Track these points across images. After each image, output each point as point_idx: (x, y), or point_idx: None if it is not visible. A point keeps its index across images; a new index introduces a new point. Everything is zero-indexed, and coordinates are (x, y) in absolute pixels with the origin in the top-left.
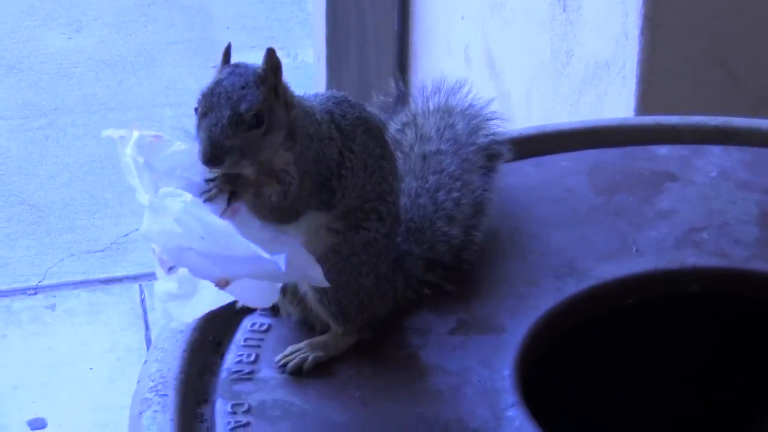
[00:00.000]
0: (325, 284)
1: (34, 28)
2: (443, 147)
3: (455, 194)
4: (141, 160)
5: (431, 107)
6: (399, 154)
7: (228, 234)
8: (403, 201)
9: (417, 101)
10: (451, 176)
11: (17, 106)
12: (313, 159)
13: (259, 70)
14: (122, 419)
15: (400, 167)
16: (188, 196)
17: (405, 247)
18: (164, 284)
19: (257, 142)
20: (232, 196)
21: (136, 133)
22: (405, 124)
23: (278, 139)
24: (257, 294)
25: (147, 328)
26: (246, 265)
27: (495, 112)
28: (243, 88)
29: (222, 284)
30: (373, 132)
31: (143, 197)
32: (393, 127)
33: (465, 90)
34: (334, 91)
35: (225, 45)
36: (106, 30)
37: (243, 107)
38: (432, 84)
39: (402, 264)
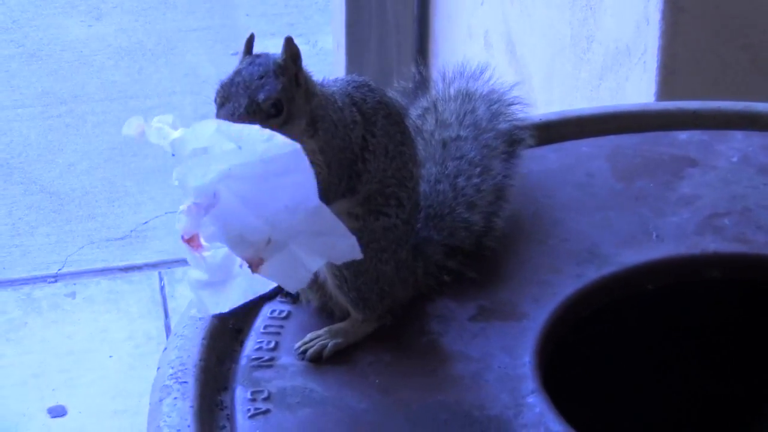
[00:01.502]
0: (358, 255)
1: (54, 16)
2: (463, 133)
3: (475, 180)
4: (170, 118)
5: (452, 92)
6: (419, 140)
7: (265, 135)
8: (423, 187)
9: (438, 87)
10: (471, 162)
11: (37, 94)
12: (339, 146)
13: (279, 60)
14: (142, 406)
15: (420, 153)
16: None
17: (425, 233)
18: (196, 272)
19: (277, 131)
20: None
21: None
22: (425, 110)
23: (299, 128)
24: (290, 274)
25: (166, 315)
26: (284, 180)
27: (517, 97)
28: (261, 77)
29: (255, 264)
30: (393, 117)
31: (175, 132)
32: (414, 112)
33: (486, 75)
34: (354, 75)
35: (246, 33)
36: (125, 18)
37: (261, 96)
38: (453, 69)
39: (422, 250)
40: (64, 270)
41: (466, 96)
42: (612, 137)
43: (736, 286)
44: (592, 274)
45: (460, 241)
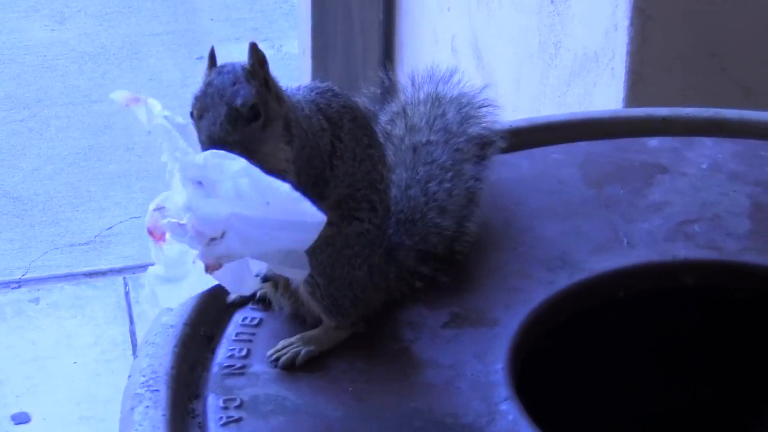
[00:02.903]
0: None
1: (17, 20)
2: (433, 137)
3: (447, 185)
4: (181, 120)
5: (421, 97)
6: (389, 146)
7: (294, 196)
8: (394, 192)
9: (407, 91)
10: (442, 167)
11: (0, 98)
12: (308, 155)
13: (247, 66)
14: (107, 413)
15: (391, 159)
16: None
17: (397, 239)
18: (155, 267)
19: (258, 135)
20: None
21: (154, 103)
22: (395, 115)
23: (277, 130)
24: (240, 281)
25: (131, 321)
26: (290, 234)
27: (486, 99)
28: (234, 84)
29: (213, 267)
30: (359, 121)
31: (190, 157)
32: (383, 118)
33: (456, 78)
34: (317, 81)
35: (210, 37)
36: (89, 22)
37: (238, 102)
38: (422, 73)
39: (394, 255)
40: (28, 275)
41: (436, 100)
42: (582, 144)
43: (708, 293)
44: (564, 280)
45: (432, 246)
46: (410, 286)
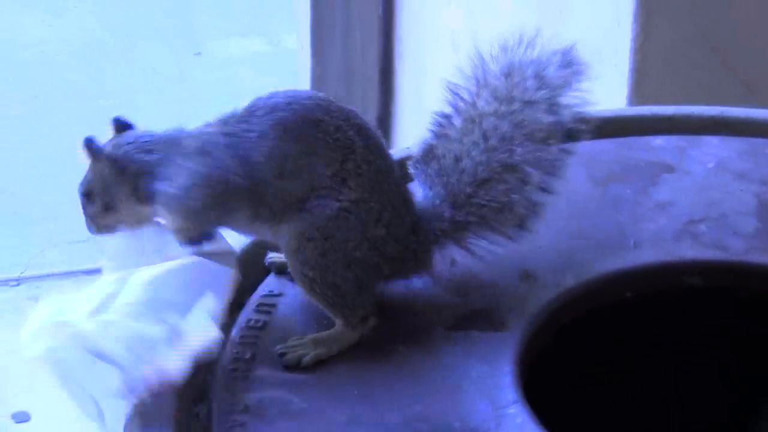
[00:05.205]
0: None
1: (14, 15)
2: (501, 108)
3: (484, 156)
4: None
5: (490, 79)
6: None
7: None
8: (449, 162)
9: (478, 72)
10: (502, 138)
11: None
12: (206, 185)
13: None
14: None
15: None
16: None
17: (440, 210)
18: None
19: (100, 214)
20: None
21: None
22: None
23: (130, 204)
24: None
25: None
26: None
27: (572, 58)
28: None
29: None
30: (290, 132)
31: None
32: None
33: (535, 40)
34: (231, 112)
35: (207, 31)
36: (86, 17)
37: (79, 189)
38: (490, 50)
39: (424, 226)
40: (27, 273)
41: (511, 72)
42: (587, 142)
43: (715, 293)
44: (570, 282)
45: (481, 217)
46: (427, 264)
